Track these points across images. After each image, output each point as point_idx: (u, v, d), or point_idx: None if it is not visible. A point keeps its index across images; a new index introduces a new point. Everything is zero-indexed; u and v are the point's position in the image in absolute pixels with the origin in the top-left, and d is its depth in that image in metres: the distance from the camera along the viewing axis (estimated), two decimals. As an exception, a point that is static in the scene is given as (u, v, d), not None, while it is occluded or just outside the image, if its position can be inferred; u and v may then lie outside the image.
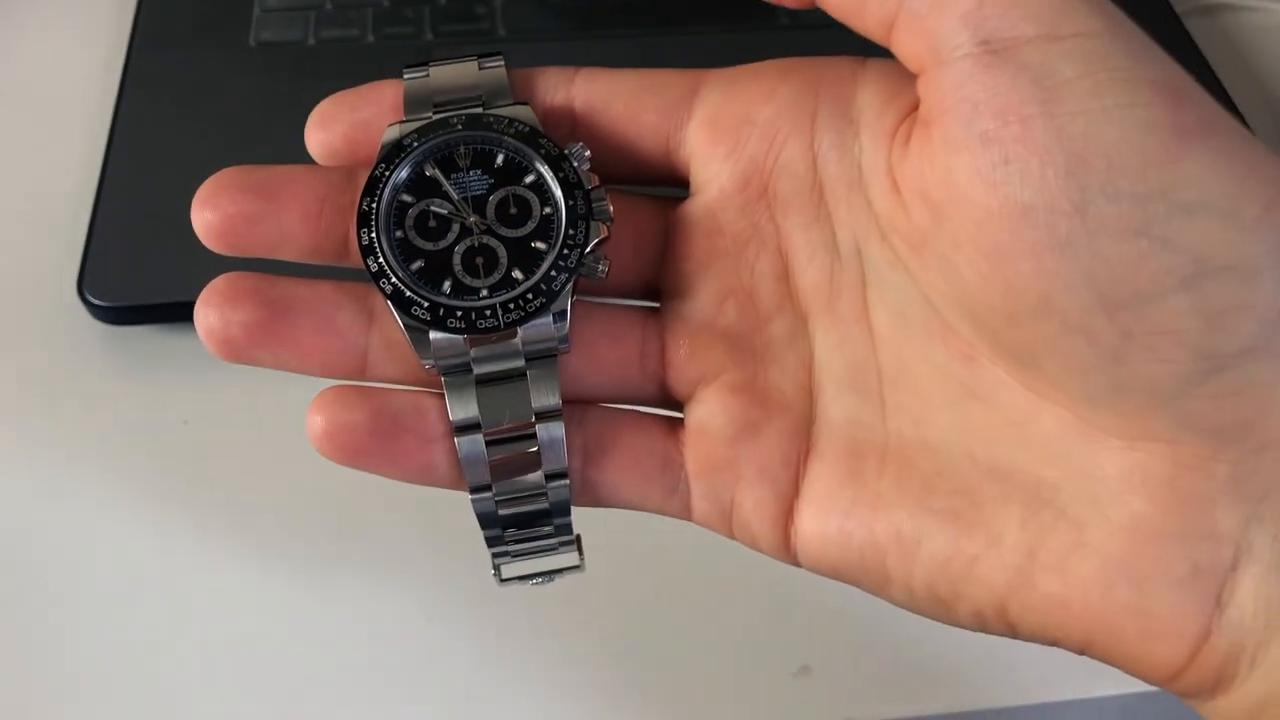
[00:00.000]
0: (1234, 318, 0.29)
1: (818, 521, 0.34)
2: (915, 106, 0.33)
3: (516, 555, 0.37)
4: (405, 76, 0.36)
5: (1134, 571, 0.30)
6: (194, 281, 0.56)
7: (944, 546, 0.33)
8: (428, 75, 0.36)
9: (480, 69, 0.36)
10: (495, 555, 0.36)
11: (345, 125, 0.36)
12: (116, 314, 0.59)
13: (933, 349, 0.34)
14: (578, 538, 0.36)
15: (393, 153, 0.34)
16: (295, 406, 0.47)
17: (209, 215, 0.34)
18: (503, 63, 0.36)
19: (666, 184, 0.37)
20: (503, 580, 0.37)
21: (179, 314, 0.59)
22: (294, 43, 0.71)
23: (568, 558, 0.37)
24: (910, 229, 0.33)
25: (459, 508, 0.35)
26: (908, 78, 0.32)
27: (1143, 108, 0.28)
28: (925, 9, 0.30)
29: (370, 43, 0.70)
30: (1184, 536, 0.30)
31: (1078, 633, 0.32)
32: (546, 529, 0.36)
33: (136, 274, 0.60)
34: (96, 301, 0.59)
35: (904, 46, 0.31)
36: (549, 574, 0.37)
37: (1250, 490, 0.30)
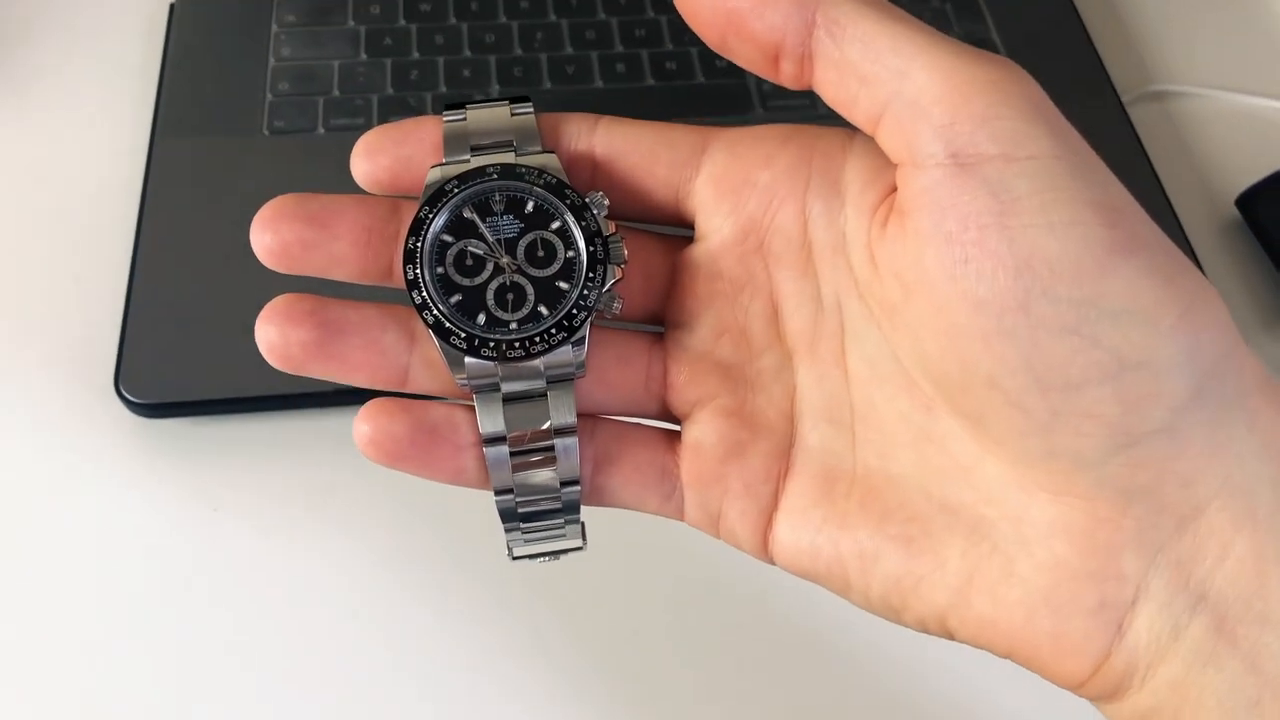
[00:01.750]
0: (1148, 405, 0.34)
1: (793, 533, 0.40)
2: (893, 189, 0.37)
3: (529, 539, 0.42)
4: (445, 119, 0.40)
5: (1053, 601, 0.36)
6: (227, 377, 0.62)
7: (897, 565, 0.38)
8: (465, 119, 0.40)
9: (512, 115, 0.40)
10: (510, 537, 0.41)
11: (389, 158, 0.40)
12: (153, 409, 0.62)
13: (898, 396, 0.39)
14: (581, 524, 0.42)
15: (435, 196, 0.39)
16: (319, 497, 0.51)
17: (268, 239, 0.39)
18: (532, 109, 0.40)
19: (674, 225, 0.42)
20: (515, 558, 0.42)
21: (214, 408, 0.62)
22: (305, 130, 0.74)
23: (572, 541, 0.42)
24: (883, 297, 0.38)
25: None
26: (887, 160, 0.37)
27: (1082, 225, 0.33)
28: (907, 116, 0.34)
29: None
30: (1095, 576, 0.35)
31: (1003, 645, 0.37)
32: (557, 522, 0.41)
33: (171, 369, 0.62)
34: (133, 398, 0.61)
35: (887, 142, 0.36)
36: (555, 553, 0.42)
37: (1151, 542, 0.35)
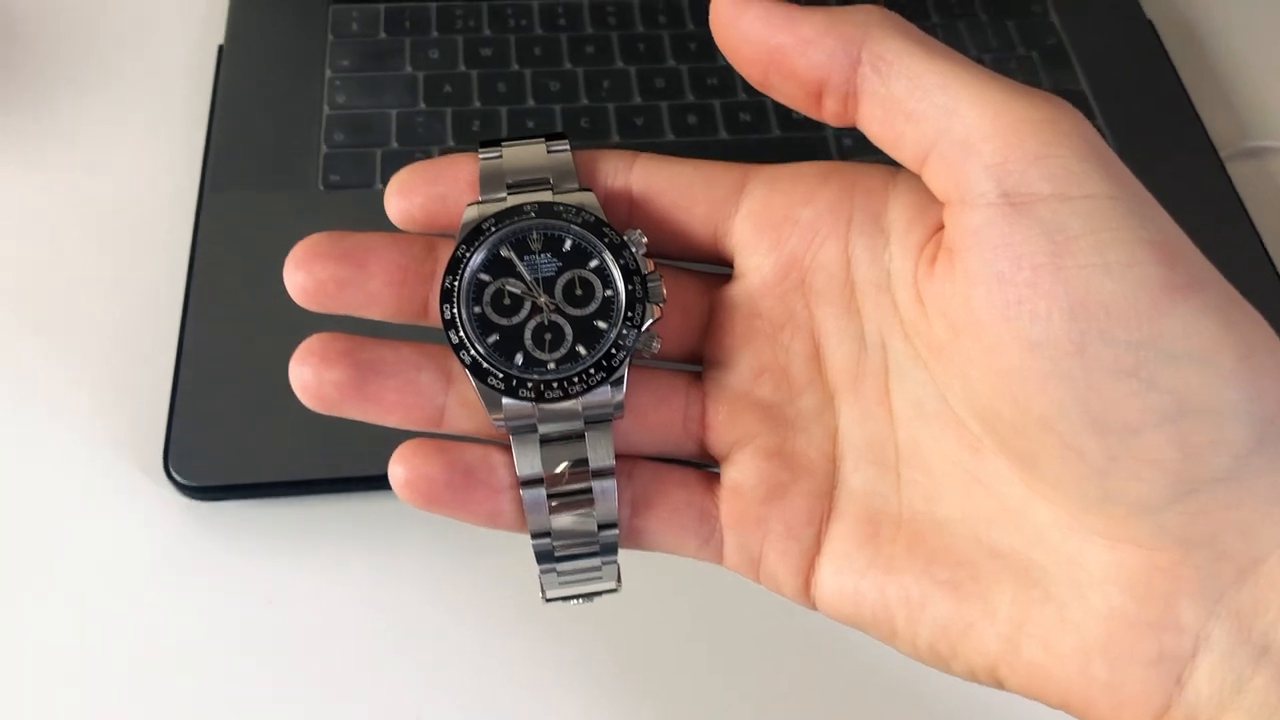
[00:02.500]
0: (1208, 452, 0.34)
1: (836, 578, 0.41)
2: (939, 226, 0.39)
3: (564, 582, 0.43)
4: (481, 157, 0.42)
5: (1109, 652, 0.36)
6: (283, 458, 0.62)
7: (945, 612, 0.39)
8: (501, 156, 0.42)
9: (548, 152, 0.42)
10: (545, 579, 0.43)
11: (424, 197, 0.42)
12: (204, 492, 0.62)
13: (945, 437, 0.40)
14: (617, 564, 0.43)
15: (473, 235, 0.41)
16: (381, 587, 0.55)
17: (302, 278, 0.41)
18: (568, 146, 0.42)
19: (713, 263, 0.43)
20: (548, 599, 0.44)
21: (266, 491, 0.62)
22: (361, 186, 0.74)
23: (608, 583, 0.43)
24: (930, 336, 0.39)
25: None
26: (933, 197, 0.38)
27: (1139, 266, 0.34)
28: (956, 154, 0.36)
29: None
30: (1153, 626, 0.36)
31: (1056, 696, 0.38)
32: (594, 564, 0.42)
33: (224, 448, 0.62)
34: (183, 480, 0.62)
35: (934, 180, 0.37)
36: (589, 595, 0.44)
37: (1211, 591, 0.35)
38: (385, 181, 0.67)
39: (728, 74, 0.81)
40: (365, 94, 0.79)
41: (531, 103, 0.79)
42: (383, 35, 0.82)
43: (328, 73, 0.80)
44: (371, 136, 0.77)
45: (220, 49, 0.81)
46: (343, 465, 0.62)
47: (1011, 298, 0.35)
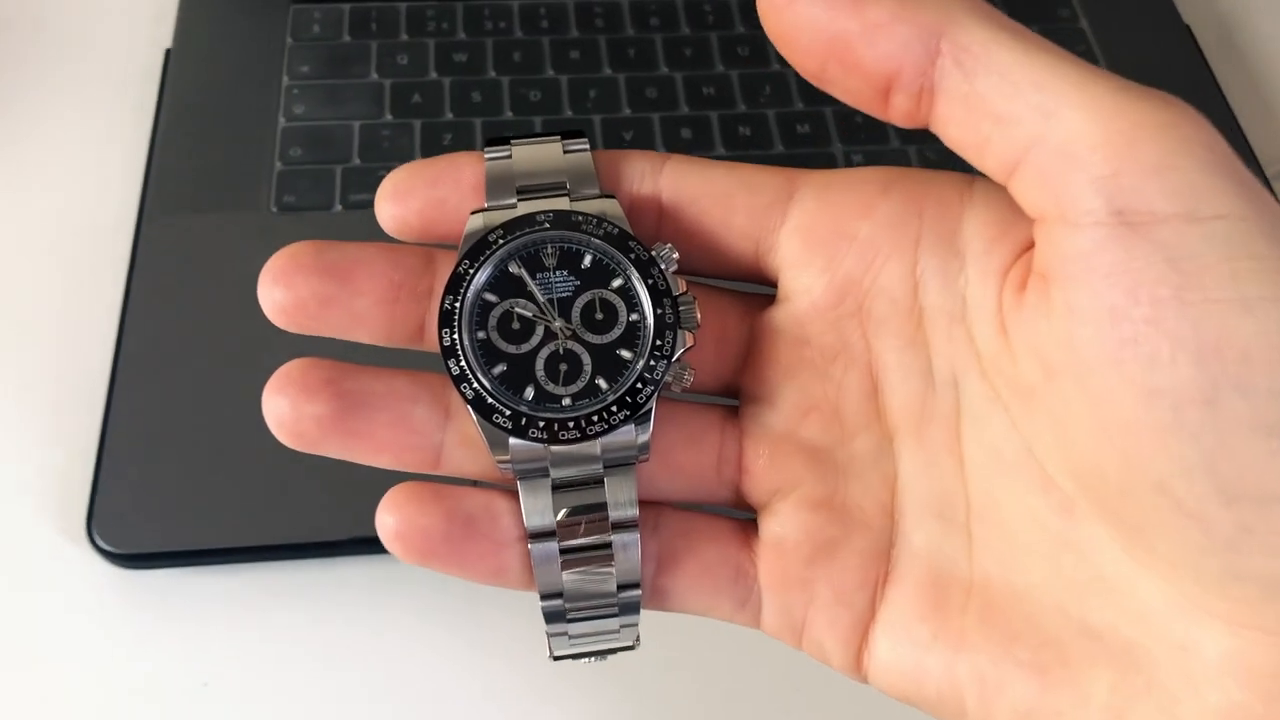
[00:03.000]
0: None
1: (895, 652, 0.39)
2: (1028, 246, 0.36)
3: (575, 643, 0.41)
4: (487, 156, 0.40)
5: None
6: (216, 524, 0.60)
7: (1028, 698, 0.37)
8: (510, 156, 0.40)
9: (565, 152, 0.40)
10: (553, 641, 0.41)
11: (421, 201, 0.40)
12: (132, 559, 0.60)
13: (1028, 494, 0.37)
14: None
15: (477, 248, 0.39)
16: (328, 664, 0.54)
17: (280, 294, 0.38)
18: (588, 146, 0.40)
19: (754, 282, 0.41)
20: (556, 658, 0.41)
21: (203, 559, 0.60)
22: (319, 207, 0.72)
23: (624, 640, 0.41)
24: (1017, 377, 0.37)
25: None
26: (1019, 212, 0.36)
27: None
28: (1055, 165, 0.33)
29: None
30: None
31: None
32: (611, 626, 0.40)
33: (153, 511, 0.60)
34: (109, 547, 0.59)
35: (1026, 193, 0.34)
36: (601, 653, 0.42)
37: None
38: (345, 202, 0.68)
39: (725, 82, 0.79)
40: (326, 104, 0.77)
41: (510, 113, 0.77)
42: (347, 38, 0.80)
43: (285, 80, 0.78)
44: (331, 152, 0.74)
45: (167, 53, 0.79)
46: (288, 530, 0.60)
47: (1126, 336, 0.32)
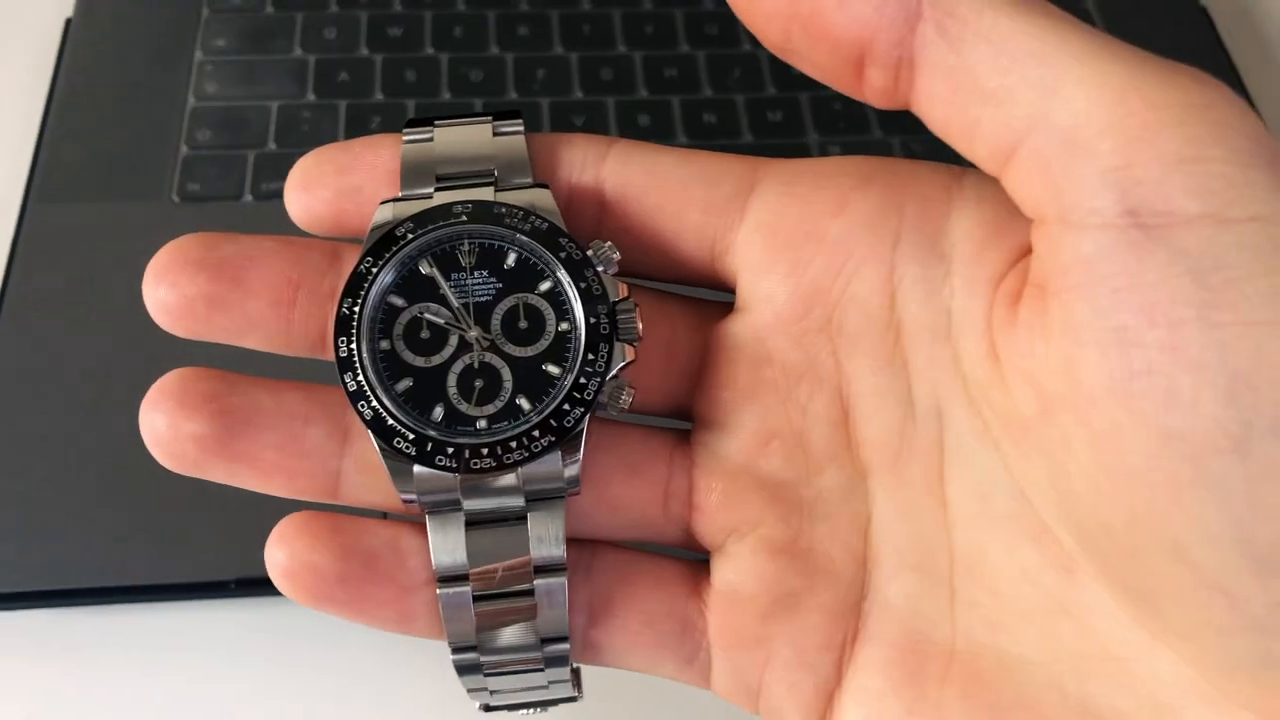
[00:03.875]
0: None
1: None
2: (1025, 251, 0.34)
3: (499, 697, 0.39)
4: (406, 138, 0.38)
5: None
6: (94, 562, 0.58)
7: None
8: (432, 139, 0.38)
9: (495, 134, 0.38)
10: (472, 695, 0.39)
11: (331, 190, 0.38)
12: (1, 600, 0.58)
13: (1021, 547, 0.35)
14: (575, 670, 0.39)
15: (383, 243, 0.37)
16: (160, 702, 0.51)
17: (164, 294, 0.37)
18: (522, 128, 0.38)
19: (709, 287, 0.39)
20: (489, 708, 0.40)
21: (77, 598, 0.58)
22: (227, 197, 0.70)
23: (561, 691, 0.39)
24: (1009, 409, 0.34)
25: None
26: (1016, 211, 0.33)
27: None
28: (1056, 152, 0.30)
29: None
30: None
31: None
32: (537, 681, 0.38)
33: (25, 550, 0.58)
34: None
35: (1021, 186, 0.32)
36: (542, 704, 0.40)
37: None
38: (257, 192, 0.67)
39: (689, 63, 0.78)
40: (241, 82, 0.75)
41: (448, 95, 0.76)
42: (270, 9, 0.79)
43: (198, 55, 0.76)
44: (244, 135, 0.73)
45: (67, 23, 0.77)
46: (182, 568, 0.58)
47: (1138, 366, 0.29)
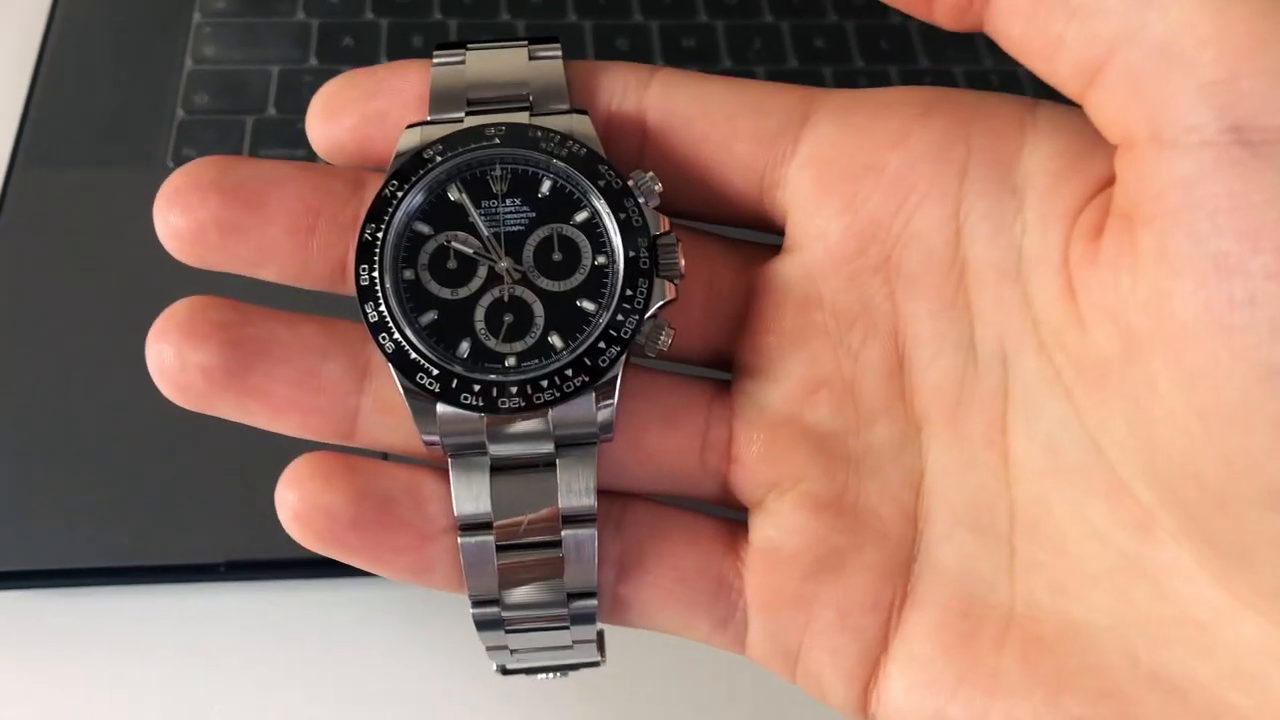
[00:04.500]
0: None
1: (912, 696, 0.35)
2: (1106, 183, 0.32)
3: (520, 658, 0.38)
4: (435, 61, 0.37)
5: None
6: (81, 542, 0.57)
7: None
8: (464, 62, 0.37)
9: (531, 59, 0.37)
10: (492, 652, 0.38)
11: (356, 117, 0.37)
12: None
13: (1091, 504, 0.34)
14: (599, 633, 0.38)
15: (409, 167, 0.35)
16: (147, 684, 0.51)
17: (176, 219, 0.35)
18: (559, 53, 0.37)
19: (754, 228, 0.38)
20: (506, 671, 0.39)
21: (65, 579, 0.58)
22: None
23: (585, 655, 0.39)
24: (1086, 351, 0.33)
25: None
26: (1099, 140, 0.32)
27: None
28: (1151, 65, 0.29)
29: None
30: None
31: None
32: (562, 639, 0.37)
33: (12, 530, 0.57)
34: None
35: (1107, 110, 0.31)
36: (563, 668, 0.39)
37: None
38: (255, 156, 0.64)
39: (709, 33, 0.76)
40: (241, 45, 0.74)
41: None
42: None
43: (196, 16, 0.75)
44: (243, 100, 0.71)
45: (59, -19, 0.76)
46: (171, 550, 0.57)
47: (1240, 295, 0.28)
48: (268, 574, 0.56)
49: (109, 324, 0.60)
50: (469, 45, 0.37)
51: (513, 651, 0.37)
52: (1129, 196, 0.30)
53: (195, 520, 0.56)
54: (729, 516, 0.38)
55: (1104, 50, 0.29)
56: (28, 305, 0.62)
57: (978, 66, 0.70)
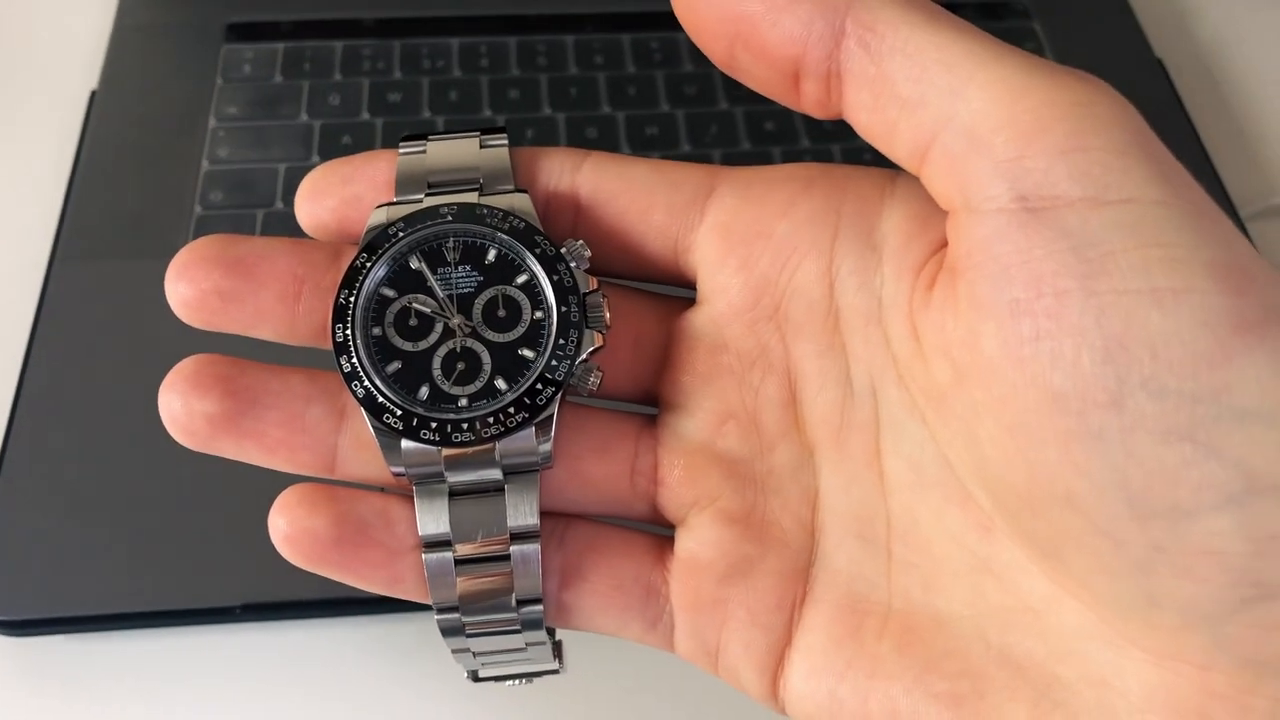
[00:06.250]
0: None
1: (809, 680, 0.38)
2: (944, 243, 0.36)
3: (485, 663, 0.41)
4: (401, 151, 0.40)
5: None
6: (113, 587, 0.58)
7: None
8: (425, 151, 0.40)
9: (482, 147, 0.40)
10: (458, 657, 0.40)
11: (335, 199, 0.40)
12: (22, 626, 0.58)
13: (948, 512, 0.37)
14: (557, 643, 0.41)
15: (376, 241, 0.38)
16: None
17: (183, 289, 0.38)
18: (506, 142, 0.40)
19: (672, 284, 0.41)
20: (478, 679, 0.41)
21: (100, 624, 0.59)
22: None
23: (544, 663, 0.41)
24: (929, 382, 0.36)
25: None
26: (937, 207, 0.35)
27: (1198, 294, 0.30)
28: (960, 148, 0.32)
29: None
30: None
31: None
32: (516, 644, 0.40)
33: (45, 574, 0.59)
34: None
35: (935, 183, 0.34)
36: (527, 675, 0.42)
37: None
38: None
39: (671, 122, 0.79)
40: (251, 146, 0.77)
41: None
42: (278, 79, 0.80)
43: (211, 122, 0.77)
44: (254, 195, 0.74)
45: (93, 95, 0.79)
46: (193, 596, 0.59)
47: (1027, 333, 0.31)
48: (282, 615, 0.58)
49: (135, 391, 0.59)
50: (429, 136, 0.40)
51: (475, 655, 0.40)
52: (952, 253, 0.34)
53: (210, 565, 0.58)
54: (657, 533, 0.41)
55: (927, 136, 0.33)
56: (66, 379, 0.64)
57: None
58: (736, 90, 0.78)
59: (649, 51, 0.82)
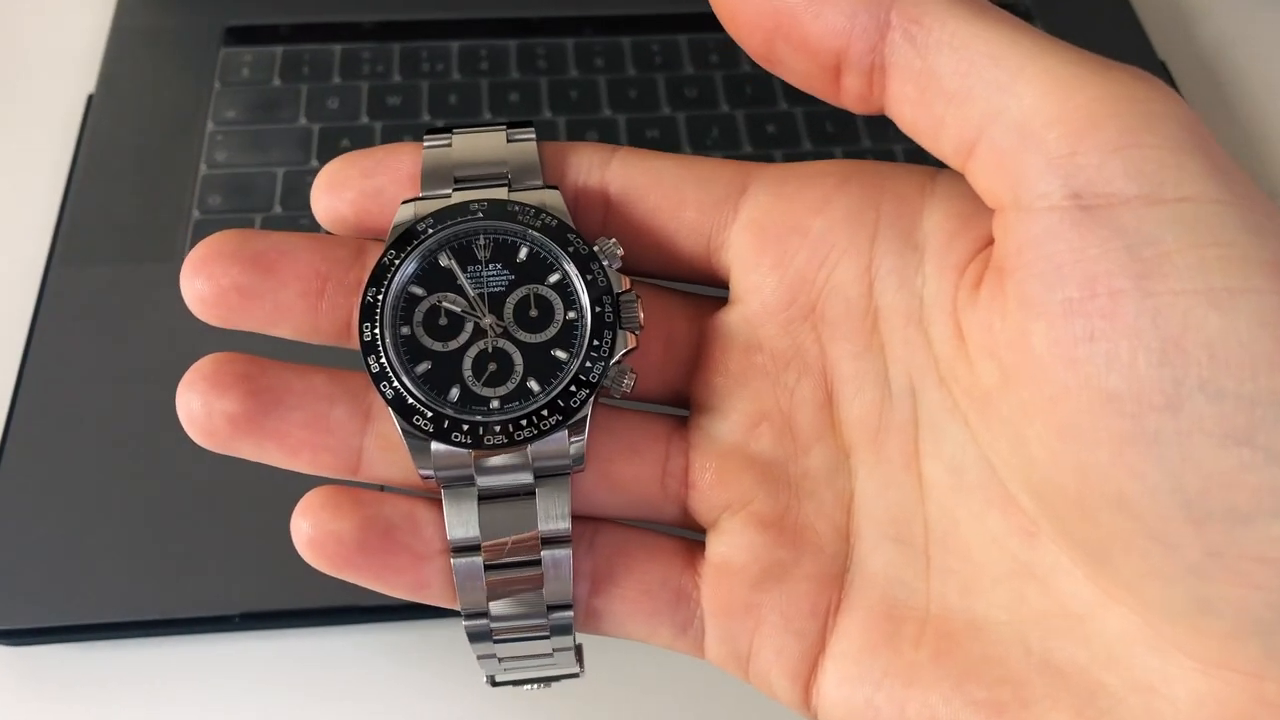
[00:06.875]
0: None
1: (843, 687, 0.37)
2: (988, 241, 0.35)
3: (508, 668, 0.40)
4: (426, 144, 0.39)
5: None
6: (115, 596, 0.57)
7: None
8: (450, 145, 0.39)
9: (509, 141, 0.39)
10: (482, 662, 0.39)
11: (355, 192, 0.39)
12: (21, 635, 0.58)
13: (989, 515, 0.36)
14: (578, 647, 0.39)
15: (405, 238, 0.37)
16: None
17: (200, 284, 0.37)
18: (534, 136, 0.39)
19: (704, 284, 0.40)
20: (495, 683, 0.40)
21: (100, 633, 0.58)
22: None
23: (565, 668, 0.40)
24: (973, 383, 0.35)
25: None
26: (981, 205, 0.34)
27: (1256, 294, 0.29)
28: (1010, 143, 0.31)
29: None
30: None
31: None
32: (544, 650, 0.39)
33: (44, 583, 0.58)
34: None
35: (982, 178, 0.33)
36: (546, 680, 0.40)
37: None
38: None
39: (671, 126, 0.78)
40: (249, 150, 0.75)
41: None
42: (277, 82, 0.79)
43: (209, 126, 0.76)
44: (252, 199, 0.73)
45: (90, 99, 0.78)
46: (195, 605, 0.58)
47: (1081, 333, 0.30)
48: (280, 623, 0.57)
49: (134, 396, 0.61)
50: (454, 130, 0.39)
51: (500, 660, 0.39)
52: (1000, 252, 0.33)
53: (208, 574, 0.57)
54: (688, 536, 0.40)
55: (975, 131, 0.32)
56: (63, 385, 0.63)
57: (912, 144, 0.71)
58: (738, 93, 0.77)
59: (650, 54, 0.80)
